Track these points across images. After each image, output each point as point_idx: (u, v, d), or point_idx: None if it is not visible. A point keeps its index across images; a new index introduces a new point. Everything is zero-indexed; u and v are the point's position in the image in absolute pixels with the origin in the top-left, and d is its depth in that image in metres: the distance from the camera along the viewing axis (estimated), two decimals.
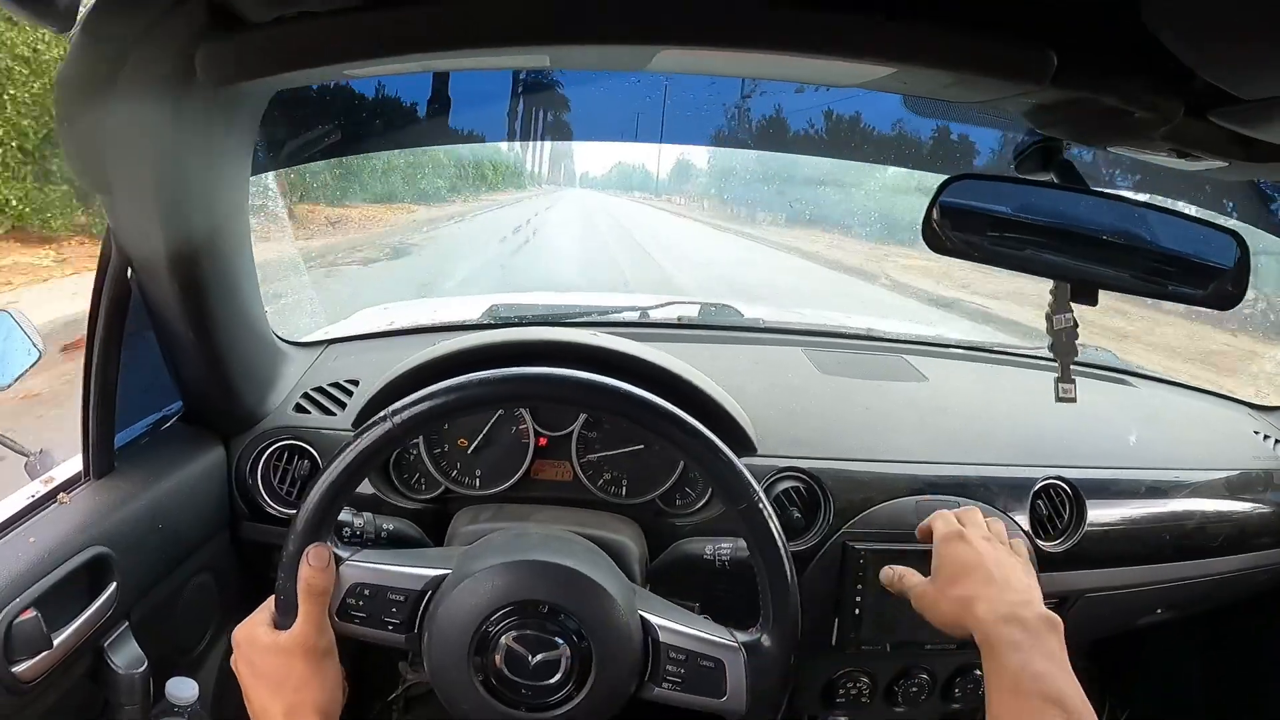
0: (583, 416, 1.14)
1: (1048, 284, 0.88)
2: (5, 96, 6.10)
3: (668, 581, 1.06)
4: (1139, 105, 0.63)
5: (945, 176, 0.78)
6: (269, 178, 1.40)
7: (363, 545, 1.01)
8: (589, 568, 0.81)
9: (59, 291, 5.52)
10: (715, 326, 1.62)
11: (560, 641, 0.77)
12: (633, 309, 1.61)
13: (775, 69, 0.70)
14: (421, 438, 1.13)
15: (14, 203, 6.36)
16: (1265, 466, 1.38)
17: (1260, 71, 0.53)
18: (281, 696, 0.76)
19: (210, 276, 0.91)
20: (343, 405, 1.17)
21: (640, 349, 1.14)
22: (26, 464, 1.08)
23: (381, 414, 0.79)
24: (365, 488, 1.09)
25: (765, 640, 0.81)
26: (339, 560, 0.80)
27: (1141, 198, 0.80)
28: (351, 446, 0.78)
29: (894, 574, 0.95)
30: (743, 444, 1.13)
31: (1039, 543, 1.18)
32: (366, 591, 0.80)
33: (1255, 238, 0.92)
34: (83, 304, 0.90)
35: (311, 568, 0.77)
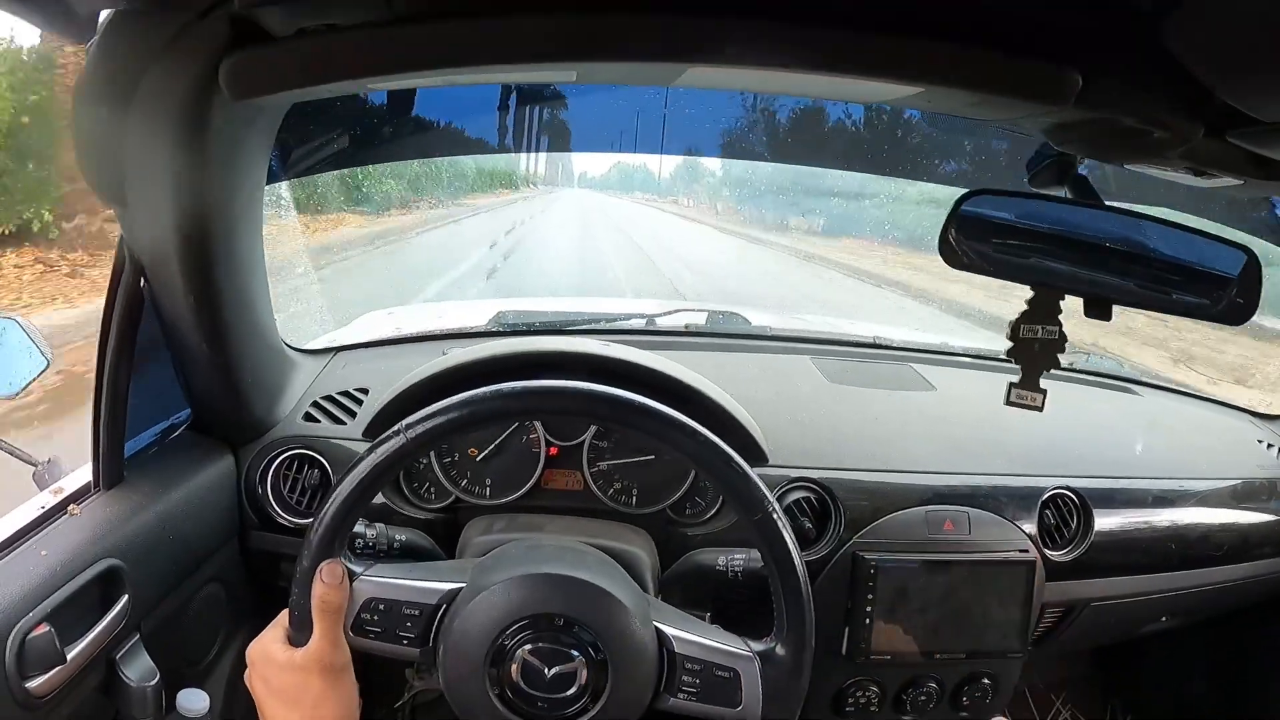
0: (594, 427, 1.14)
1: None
2: None
3: (679, 592, 1.06)
4: (1158, 125, 0.63)
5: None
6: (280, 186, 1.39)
7: (375, 557, 1.01)
8: (603, 579, 0.81)
9: None
10: (723, 334, 1.62)
11: (576, 654, 0.77)
12: (640, 316, 1.61)
13: (801, 86, 0.70)
14: (447, 442, 1.13)
15: None
16: (1269, 475, 1.38)
17: None
18: (298, 713, 0.76)
19: (224, 286, 0.91)
20: (353, 414, 1.17)
21: (652, 359, 1.14)
22: (34, 473, 1.07)
23: (395, 428, 0.79)
24: (376, 498, 1.09)
25: (780, 649, 0.81)
26: (353, 576, 0.79)
27: (1155, 212, 0.80)
28: (365, 461, 0.78)
29: None
30: (754, 454, 1.13)
31: (1047, 552, 1.19)
32: (381, 606, 0.80)
33: (1267, 251, 0.92)
34: None
35: (325, 585, 0.77)
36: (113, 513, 0.90)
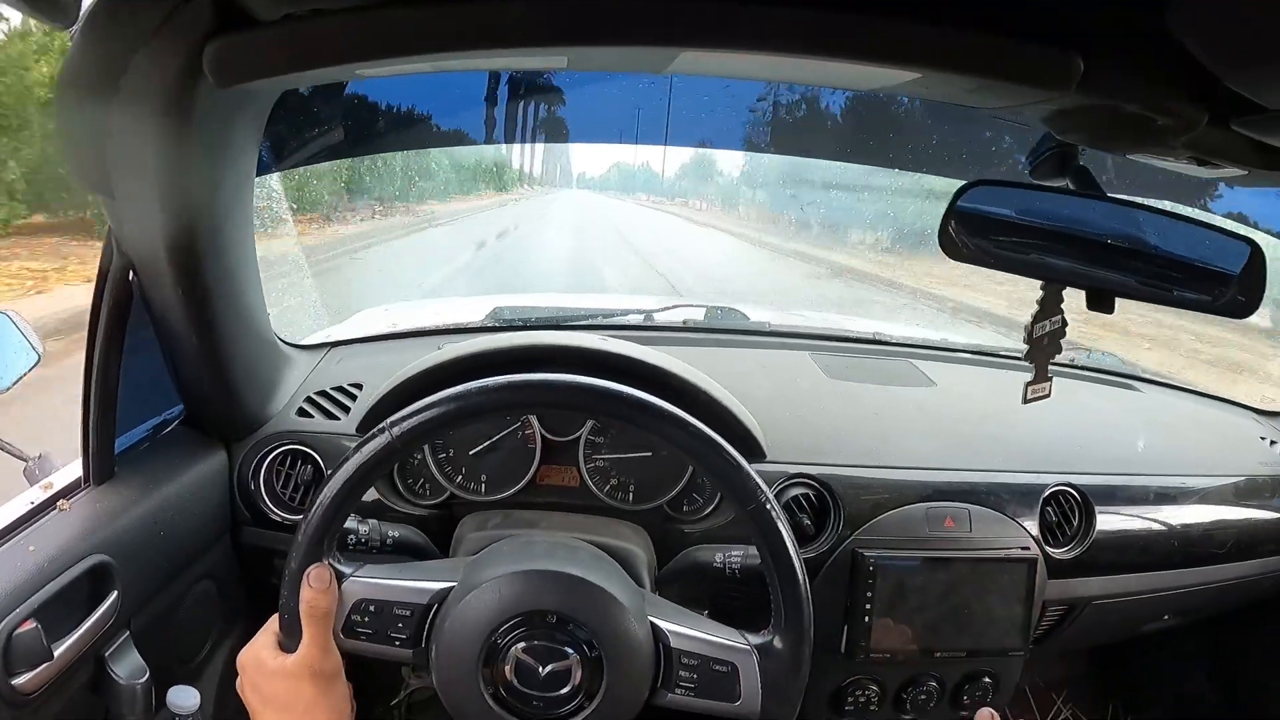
0: (590, 421, 1.13)
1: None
2: None
3: (676, 589, 1.05)
4: (1162, 113, 0.62)
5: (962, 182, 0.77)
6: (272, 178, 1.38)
7: (368, 553, 1.00)
8: (597, 575, 0.80)
9: None
10: (721, 330, 1.61)
11: (570, 651, 0.76)
12: (638, 312, 1.60)
13: (796, 72, 0.69)
14: (436, 439, 1.11)
15: None
16: (1272, 473, 1.38)
17: None
18: None
19: (214, 279, 0.90)
20: (346, 410, 1.16)
21: (647, 353, 1.13)
22: (25, 469, 1.06)
23: (380, 425, 0.77)
24: (369, 494, 1.08)
25: (778, 642, 0.80)
26: (342, 577, 0.78)
27: (1157, 204, 0.79)
28: (351, 460, 0.77)
29: None
30: (752, 450, 1.12)
31: (1048, 549, 1.18)
32: (371, 608, 0.78)
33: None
34: None
35: (313, 589, 0.76)
36: (103, 508, 0.89)
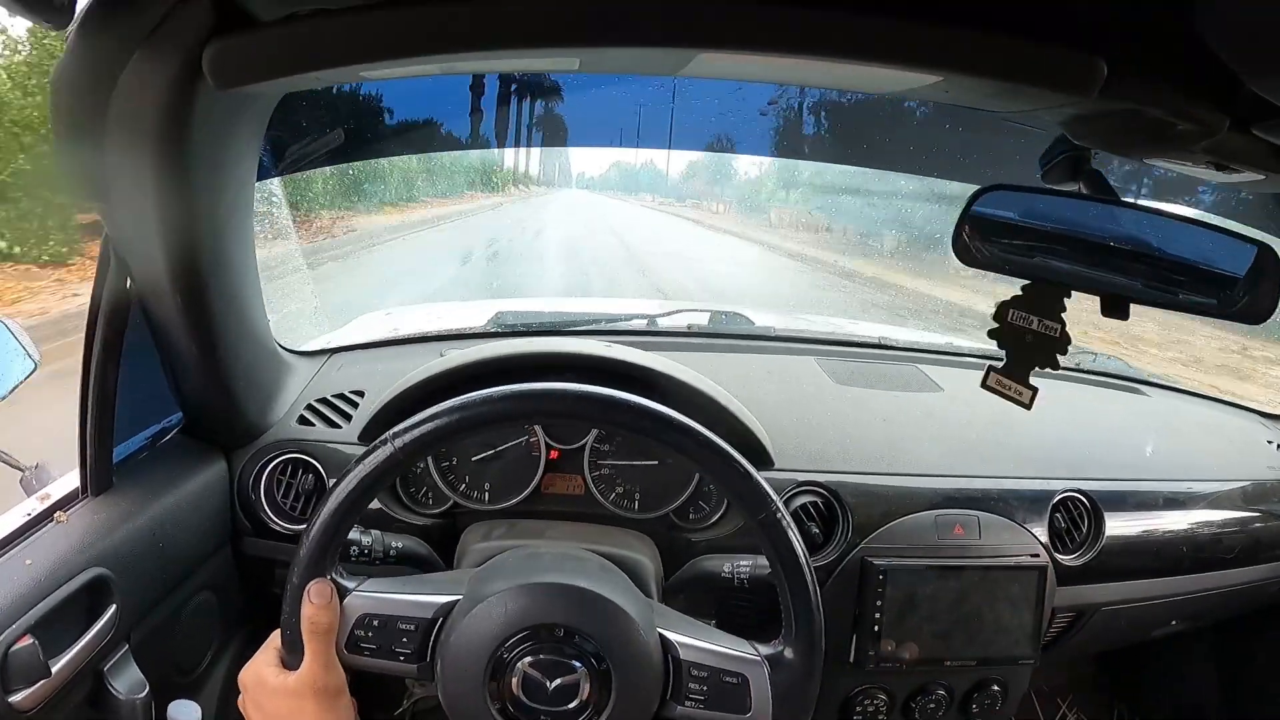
0: (594, 430, 1.11)
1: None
2: None
3: (684, 599, 1.04)
4: (1183, 117, 0.61)
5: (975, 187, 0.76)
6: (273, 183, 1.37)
7: (371, 564, 0.99)
8: (604, 587, 0.79)
9: None
10: (726, 335, 1.59)
11: (578, 664, 0.75)
12: (641, 316, 1.59)
13: (814, 76, 0.68)
14: (439, 449, 1.10)
15: None
16: (1279, 477, 1.37)
17: None
18: None
19: (213, 286, 0.88)
20: (348, 417, 1.14)
21: (653, 360, 1.12)
22: (21, 479, 1.05)
23: (382, 437, 0.76)
24: (373, 503, 1.07)
25: (789, 653, 0.78)
26: (345, 592, 0.77)
27: (1172, 209, 0.78)
28: (352, 473, 0.75)
29: None
30: (760, 458, 1.11)
31: (1057, 556, 1.17)
32: (375, 622, 0.77)
33: None
34: None
35: (314, 605, 0.74)
36: (101, 520, 0.87)
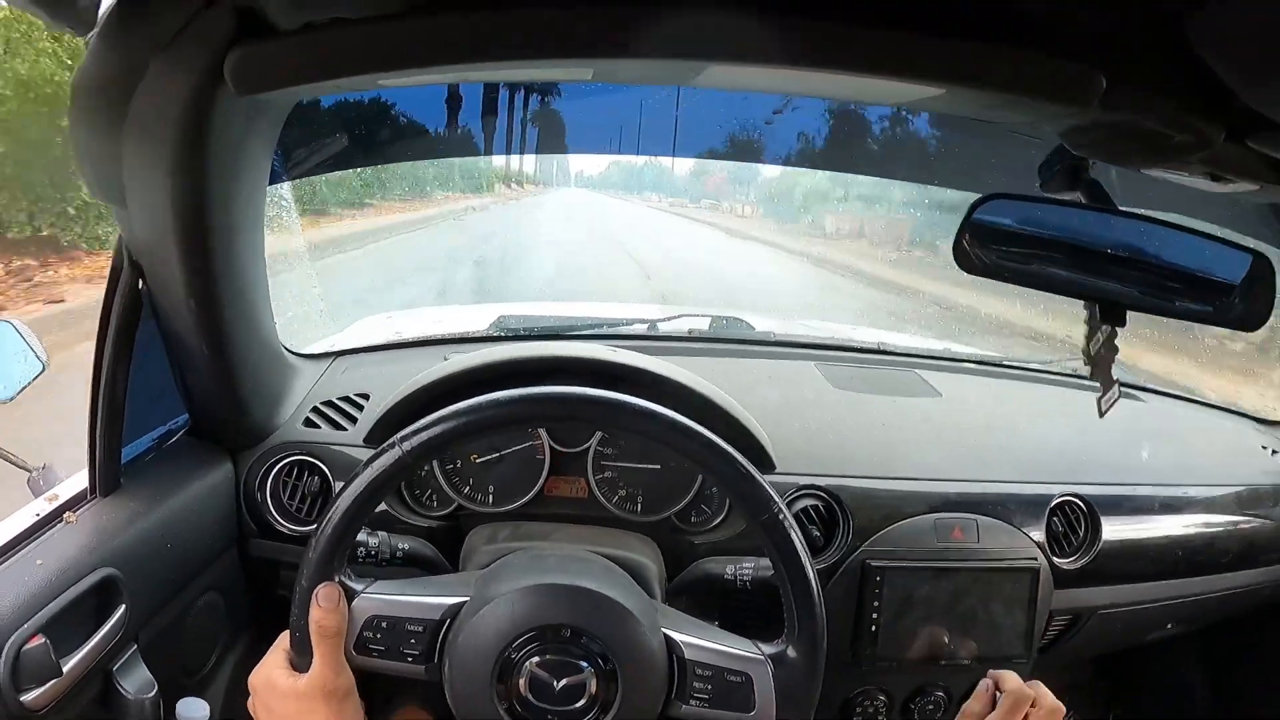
0: (598, 433, 1.12)
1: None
2: None
3: (687, 601, 1.05)
4: (1180, 129, 0.62)
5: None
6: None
7: (378, 565, 1.00)
8: (610, 588, 0.79)
9: None
10: (726, 340, 1.60)
11: (585, 665, 0.76)
12: (642, 321, 1.59)
13: (821, 86, 0.69)
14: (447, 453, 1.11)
15: None
16: (1273, 481, 1.38)
17: None
18: None
19: (225, 289, 0.89)
20: (354, 420, 1.15)
21: (657, 364, 1.13)
22: (29, 479, 1.06)
23: (390, 441, 0.77)
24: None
25: (791, 651, 0.79)
26: (353, 594, 0.78)
27: (1170, 217, 0.79)
28: (361, 477, 0.76)
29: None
30: (762, 461, 1.12)
31: (1054, 560, 1.18)
32: (384, 624, 0.78)
33: None
34: None
35: (322, 608, 0.75)
36: (109, 520, 0.88)
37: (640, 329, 1.57)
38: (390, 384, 1.15)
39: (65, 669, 0.77)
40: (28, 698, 0.73)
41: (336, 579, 0.77)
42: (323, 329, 1.62)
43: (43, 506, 0.89)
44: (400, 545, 1.02)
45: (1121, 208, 0.79)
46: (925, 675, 1.16)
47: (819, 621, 0.79)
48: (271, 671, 0.77)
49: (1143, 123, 0.62)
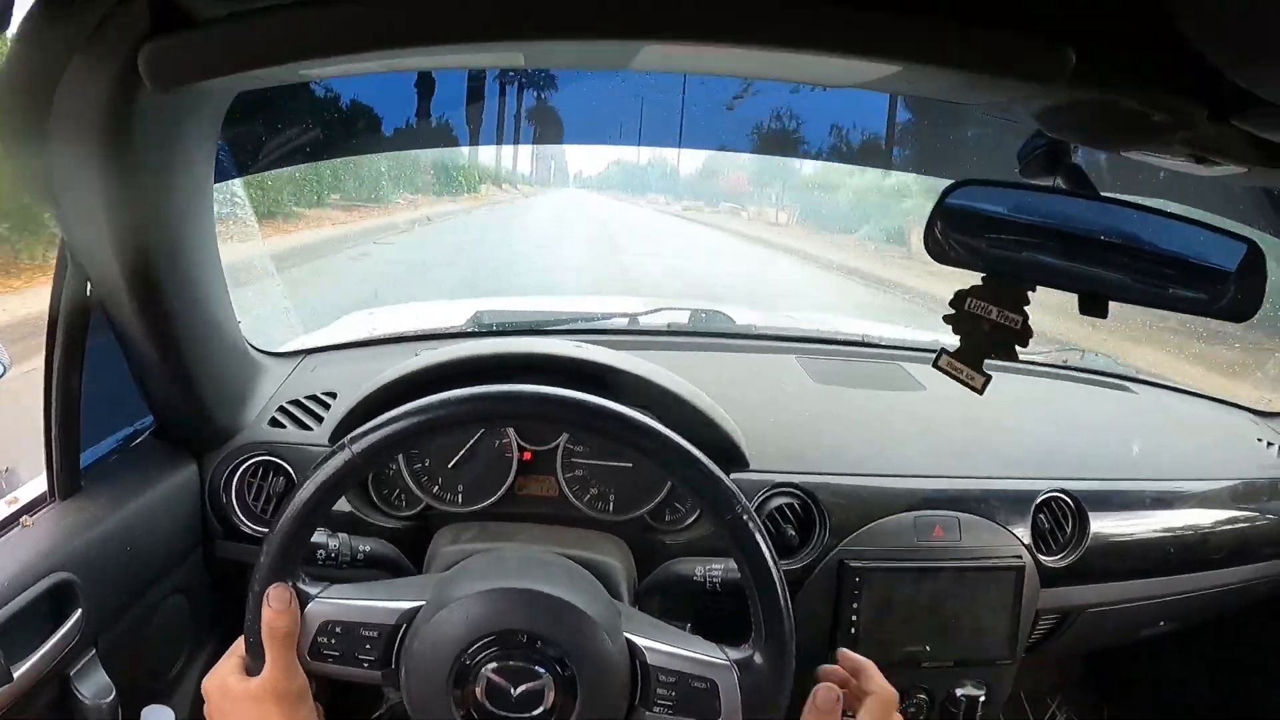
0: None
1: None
2: None
3: (658, 602, 1.03)
4: (1159, 108, 0.59)
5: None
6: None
7: (338, 568, 0.98)
8: (568, 592, 0.77)
9: None
10: (706, 334, 1.58)
11: (542, 671, 0.74)
12: (622, 315, 1.57)
13: (769, 68, 0.66)
14: (401, 453, 1.09)
15: None
16: (1269, 475, 1.36)
17: None
18: None
19: (173, 289, 0.87)
20: (319, 419, 1.13)
21: (625, 360, 1.11)
22: None
23: (341, 442, 0.75)
24: (342, 505, 1.05)
25: (758, 657, 0.77)
26: (306, 599, 0.76)
27: (1152, 203, 0.76)
28: (311, 479, 0.74)
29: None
30: (735, 459, 1.10)
31: (1041, 558, 1.16)
32: (338, 629, 0.76)
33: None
34: None
35: (272, 610, 0.73)
36: (67, 524, 0.87)
37: (620, 323, 1.54)
38: (358, 381, 1.13)
39: (16, 674, 0.76)
40: None
41: (290, 582, 0.75)
42: (292, 328, 1.59)
43: (1, 510, 0.87)
44: (361, 547, 1.00)
45: (1104, 193, 0.77)
46: (906, 678, 1.14)
47: (786, 625, 0.76)
48: (225, 676, 0.76)
49: (1118, 101, 0.59)
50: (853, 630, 1.08)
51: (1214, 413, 1.55)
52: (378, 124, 1.10)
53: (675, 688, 0.76)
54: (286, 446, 1.10)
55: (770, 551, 0.76)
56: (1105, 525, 1.20)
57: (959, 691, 1.13)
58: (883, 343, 1.56)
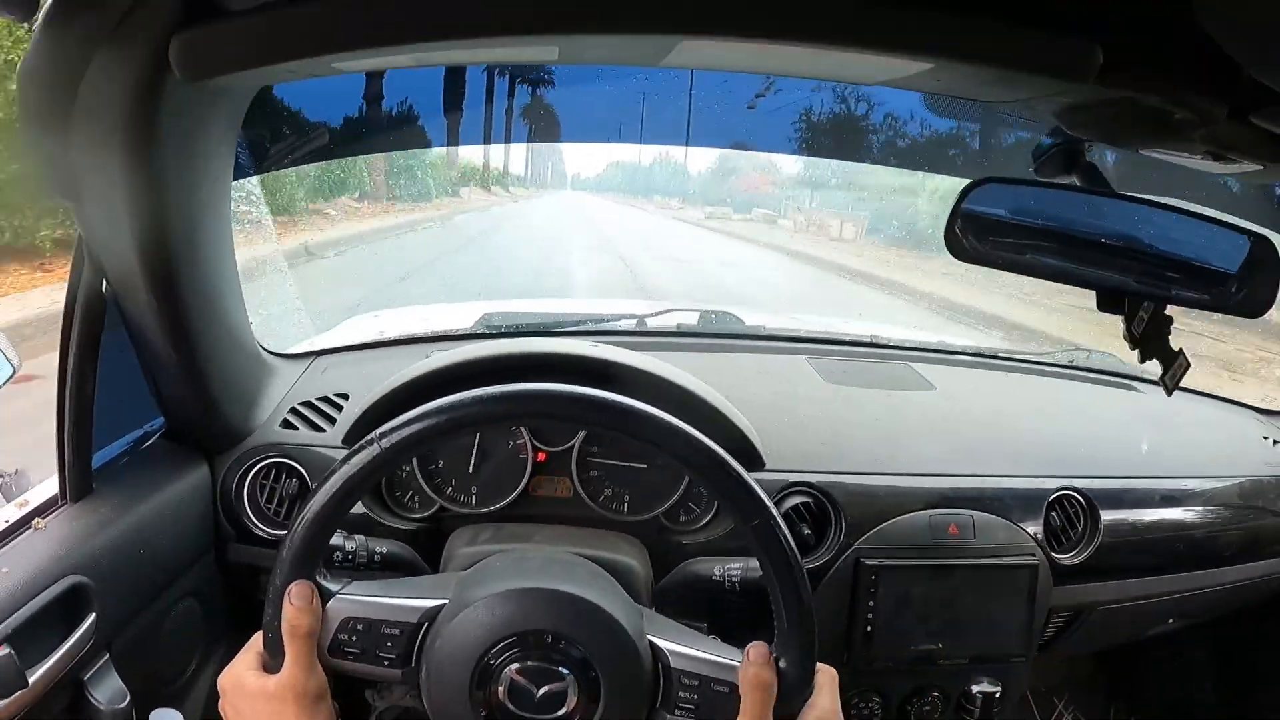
0: (582, 432, 1.10)
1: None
2: None
3: (674, 603, 1.03)
4: (1181, 106, 0.60)
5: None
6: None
7: (355, 570, 0.97)
8: (594, 593, 0.77)
9: None
10: (716, 335, 1.58)
11: (566, 672, 0.73)
12: (630, 316, 1.57)
13: (802, 65, 0.66)
14: (425, 451, 1.08)
15: None
16: (1276, 473, 1.36)
17: None
18: None
19: (190, 287, 0.87)
20: (332, 420, 1.13)
21: (641, 360, 1.11)
22: (0, 486, 1.03)
23: (369, 437, 0.74)
24: (356, 508, 1.05)
25: (782, 662, 0.77)
26: (328, 595, 0.75)
27: (1169, 201, 0.77)
28: (338, 474, 0.73)
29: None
30: (750, 459, 1.10)
31: (1053, 555, 1.16)
32: (360, 626, 0.75)
33: None
34: None
35: (294, 607, 0.72)
36: (79, 526, 0.86)
37: (628, 324, 1.55)
38: (370, 383, 1.12)
39: (31, 680, 0.75)
40: None
41: (311, 578, 0.74)
42: (303, 329, 1.59)
43: (12, 513, 0.87)
44: (378, 549, 1.00)
45: (1120, 192, 0.77)
46: (922, 676, 1.14)
47: (810, 631, 0.76)
48: (242, 672, 0.75)
49: (1142, 100, 0.60)
50: (868, 628, 1.08)
51: (1219, 411, 1.56)
52: (397, 122, 1.10)
53: (697, 691, 0.75)
54: (299, 448, 1.09)
55: (796, 558, 0.75)
56: (1116, 523, 1.21)
57: (974, 688, 1.12)
58: (891, 343, 1.57)
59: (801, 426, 1.21)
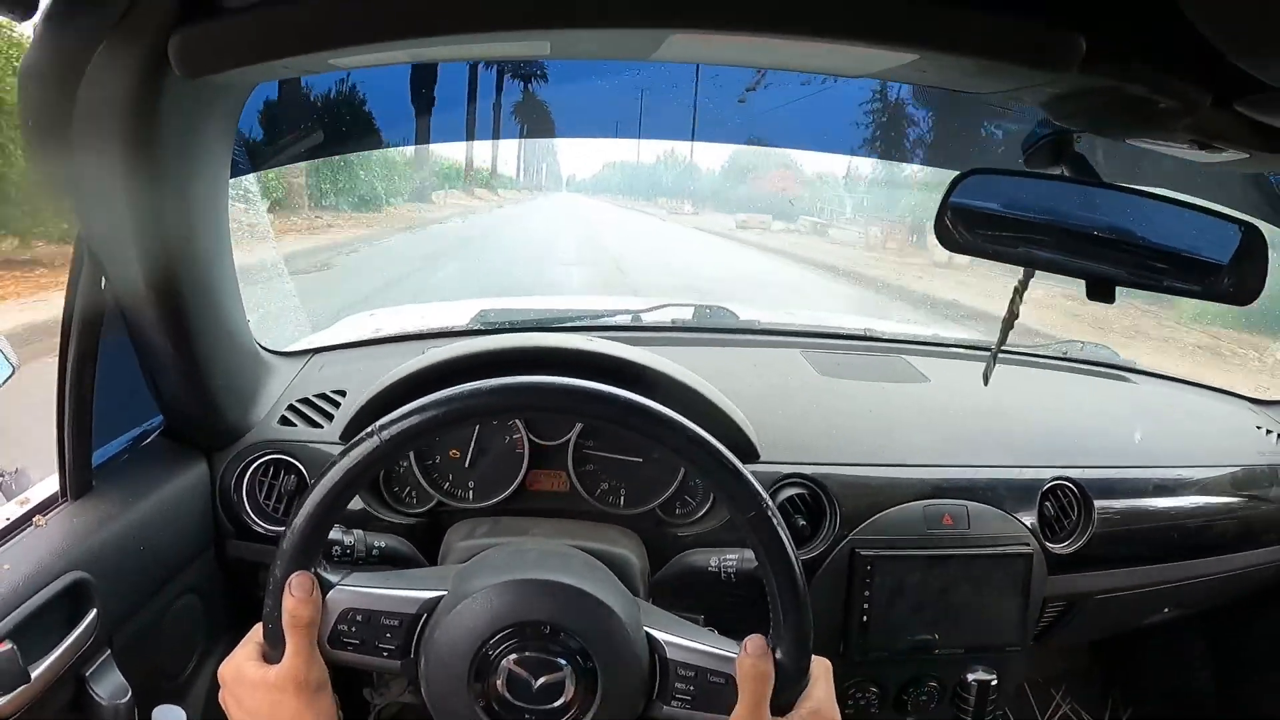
0: (578, 425, 1.10)
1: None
2: None
3: (671, 595, 1.04)
4: (1165, 94, 0.60)
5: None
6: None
7: (354, 564, 0.98)
8: (591, 584, 0.78)
9: None
10: (711, 329, 1.59)
11: (564, 663, 0.74)
12: (625, 312, 1.58)
13: (789, 58, 0.67)
14: (425, 444, 1.09)
15: None
16: (1270, 462, 1.37)
17: None
18: None
19: (188, 285, 0.87)
20: (330, 417, 1.13)
21: (637, 354, 1.11)
22: (0, 484, 1.04)
23: (369, 429, 0.75)
24: (354, 503, 1.05)
25: (777, 653, 0.77)
26: (328, 586, 0.76)
27: (1157, 190, 0.77)
28: (338, 465, 0.74)
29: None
30: (745, 451, 1.10)
31: (1048, 545, 1.17)
32: (359, 617, 0.76)
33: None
34: None
35: (295, 598, 0.73)
36: (80, 523, 0.86)
37: (624, 320, 1.55)
38: (367, 380, 1.13)
39: (34, 675, 0.75)
40: None
41: (311, 570, 0.75)
42: (301, 327, 1.59)
43: (13, 510, 0.87)
44: (377, 543, 1.00)
45: (1109, 182, 0.77)
46: (918, 666, 1.15)
47: (805, 621, 0.76)
48: (242, 663, 0.75)
49: (1125, 88, 0.60)
50: (864, 619, 1.09)
51: (1212, 401, 1.57)
52: (393, 120, 1.10)
53: (694, 682, 0.76)
54: (298, 445, 1.10)
55: (792, 549, 0.76)
56: (1110, 512, 1.22)
57: (970, 677, 1.13)
58: (885, 336, 1.58)
59: (796, 419, 1.22)
